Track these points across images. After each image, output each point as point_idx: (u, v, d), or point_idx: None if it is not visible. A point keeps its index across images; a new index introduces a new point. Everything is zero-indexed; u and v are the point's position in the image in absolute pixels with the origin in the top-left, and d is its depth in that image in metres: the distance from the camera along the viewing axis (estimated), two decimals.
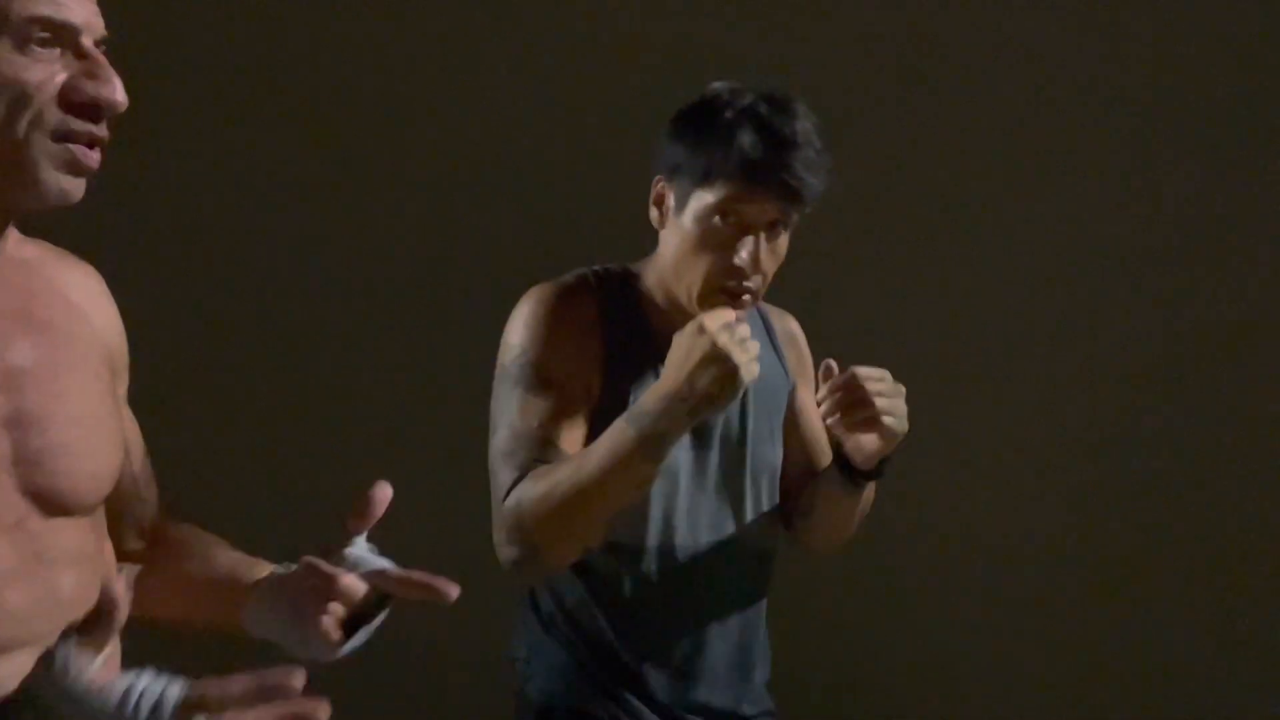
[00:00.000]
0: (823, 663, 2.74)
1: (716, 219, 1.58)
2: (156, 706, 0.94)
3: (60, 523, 1.13)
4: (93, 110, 1.06)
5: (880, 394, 1.58)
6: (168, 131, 2.73)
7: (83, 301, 1.21)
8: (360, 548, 1.17)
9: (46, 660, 0.96)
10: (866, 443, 1.63)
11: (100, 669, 0.97)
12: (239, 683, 0.96)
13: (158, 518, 1.36)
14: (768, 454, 1.77)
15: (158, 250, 2.69)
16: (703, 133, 1.58)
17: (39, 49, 1.04)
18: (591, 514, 1.52)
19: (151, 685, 0.95)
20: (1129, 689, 2.80)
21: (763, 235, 1.58)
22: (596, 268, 1.73)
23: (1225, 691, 2.79)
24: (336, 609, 1.09)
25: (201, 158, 2.75)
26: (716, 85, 1.63)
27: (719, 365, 1.42)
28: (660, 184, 1.66)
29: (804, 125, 1.57)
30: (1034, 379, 2.78)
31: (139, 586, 1.27)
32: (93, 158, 1.08)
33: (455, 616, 1.13)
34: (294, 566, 1.21)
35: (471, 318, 2.78)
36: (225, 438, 2.68)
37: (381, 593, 1.15)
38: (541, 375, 1.62)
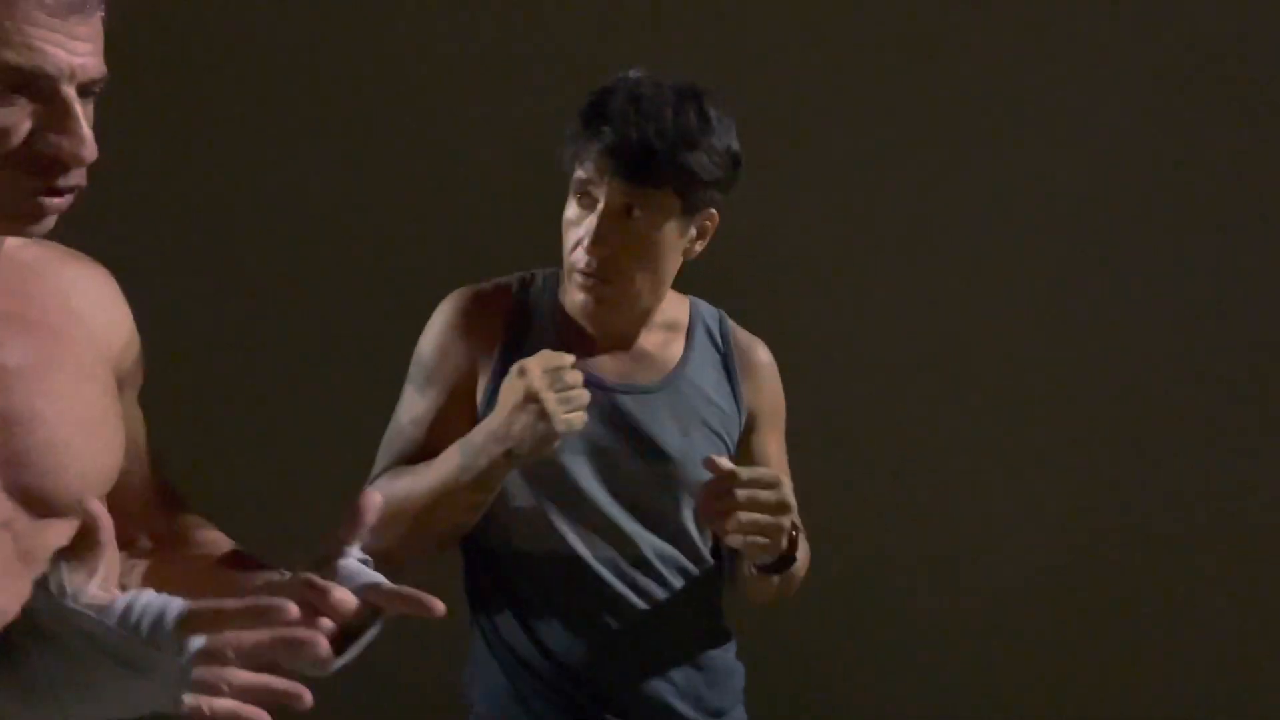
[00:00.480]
0: (822, 665, 2.73)
1: (575, 201, 1.58)
2: (157, 622, 0.93)
3: (49, 524, 1.13)
4: (58, 165, 1.01)
5: (752, 503, 1.50)
6: (171, 131, 2.73)
7: (84, 303, 1.20)
8: (353, 559, 1.14)
9: (42, 584, 0.95)
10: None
11: (98, 589, 0.96)
12: (237, 604, 0.96)
13: (173, 518, 1.35)
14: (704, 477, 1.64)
15: (164, 250, 2.70)
16: (576, 118, 1.59)
17: (11, 95, 0.97)
18: (423, 526, 1.56)
19: (152, 602, 0.95)
20: (1129, 690, 2.80)
21: (608, 217, 1.53)
22: (532, 272, 1.72)
23: (1226, 691, 2.79)
24: (327, 624, 1.06)
25: (204, 158, 2.75)
26: (620, 75, 1.62)
27: (532, 412, 1.45)
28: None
29: (663, 111, 1.52)
30: (1033, 381, 2.78)
31: (145, 583, 1.26)
32: (56, 205, 1.04)
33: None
34: (288, 574, 1.19)
35: None
36: (227, 437, 2.68)
37: (373, 607, 1.12)
38: (425, 374, 1.66)
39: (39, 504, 1.11)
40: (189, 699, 0.92)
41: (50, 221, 1.05)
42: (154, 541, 1.33)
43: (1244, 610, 2.79)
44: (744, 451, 1.72)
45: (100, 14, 1.02)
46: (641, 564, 1.65)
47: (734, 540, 1.52)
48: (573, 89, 2.56)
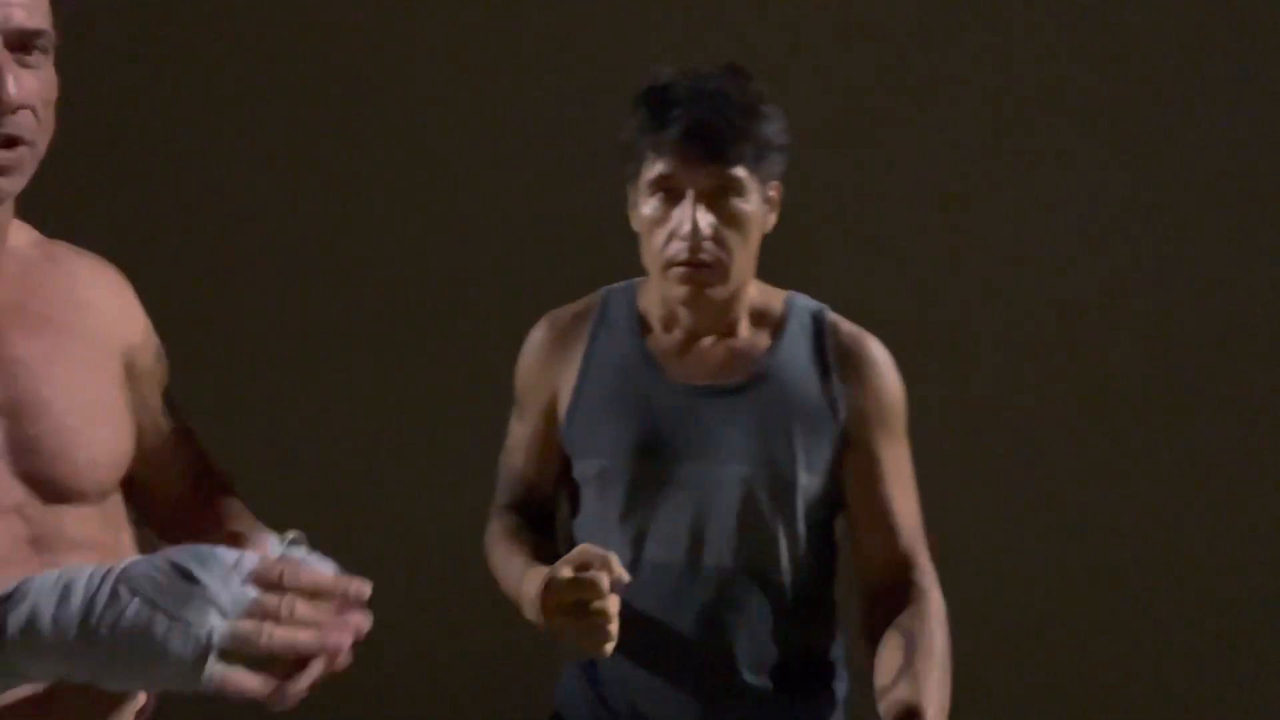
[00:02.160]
0: None
1: (655, 198, 1.54)
2: (236, 563, 0.97)
3: (61, 510, 1.15)
4: None
5: None
6: (177, 130, 2.72)
7: (92, 297, 1.23)
8: (300, 550, 1.14)
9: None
10: None
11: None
12: (311, 574, 0.99)
13: (208, 503, 1.37)
14: (800, 480, 1.59)
15: (167, 248, 2.69)
16: (633, 119, 1.56)
17: None
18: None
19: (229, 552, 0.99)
20: (1129, 691, 2.80)
21: (700, 202, 1.52)
22: (618, 285, 1.71)
23: (1227, 692, 2.79)
24: (358, 626, 1.04)
25: (209, 158, 2.74)
26: (657, 70, 1.61)
27: (563, 626, 1.41)
28: (628, 186, 1.62)
29: (725, 88, 1.53)
30: (1033, 382, 2.77)
31: None
32: (5, 157, 1.05)
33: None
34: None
35: (477, 319, 2.78)
36: (230, 436, 2.67)
37: None
38: (519, 400, 1.70)
39: (49, 489, 1.14)
40: (235, 626, 0.95)
41: (4, 183, 1.07)
42: (184, 529, 1.34)
43: (1244, 611, 2.78)
44: (851, 459, 1.60)
45: None
46: (718, 574, 1.57)
47: None
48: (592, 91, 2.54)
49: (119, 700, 1.11)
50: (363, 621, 1.01)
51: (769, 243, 1.64)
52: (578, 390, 1.63)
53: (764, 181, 1.55)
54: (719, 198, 1.52)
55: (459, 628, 2.82)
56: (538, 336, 1.69)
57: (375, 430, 2.75)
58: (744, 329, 1.62)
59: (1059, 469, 2.77)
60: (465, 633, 2.79)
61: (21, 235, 1.21)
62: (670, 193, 1.52)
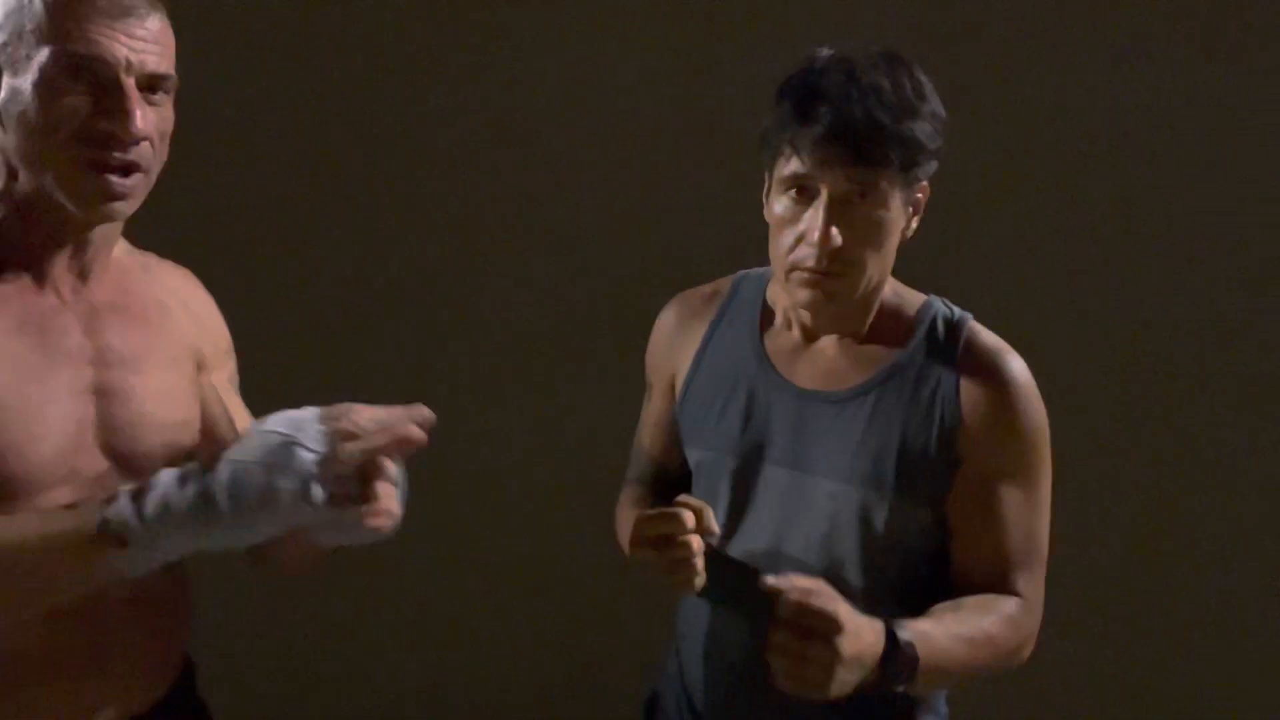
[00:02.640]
0: None
1: (788, 196, 1.43)
2: (310, 414, 1.17)
3: (131, 483, 1.26)
4: (113, 141, 1.21)
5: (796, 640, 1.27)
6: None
7: (173, 301, 1.42)
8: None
9: None
10: None
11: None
12: (368, 410, 1.18)
13: None
14: (891, 504, 1.46)
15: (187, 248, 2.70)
16: (777, 106, 1.44)
17: (73, 81, 1.20)
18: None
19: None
20: (1131, 693, 2.80)
21: (834, 207, 1.39)
22: (754, 270, 1.63)
23: (1229, 692, 2.79)
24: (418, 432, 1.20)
25: (226, 159, 2.75)
26: (815, 51, 1.47)
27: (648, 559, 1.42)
28: (766, 173, 1.50)
29: (880, 82, 1.38)
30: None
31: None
32: (123, 184, 1.23)
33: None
34: None
35: (478, 318, 2.79)
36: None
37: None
38: (649, 378, 1.71)
39: (127, 465, 1.30)
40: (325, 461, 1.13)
41: (121, 206, 1.25)
42: None
43: (1246, 612, 2.79)
44: (961, 491, 1.45)
45: (159, 20, 1.25)
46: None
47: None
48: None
49: None
50: (424, 416, 1.17)
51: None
52: (691, 375, 1.60)
53: (909, 185, 1.43)
54: (855, 204, 1.39)
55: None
56: (666, 316, 1.66)
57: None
58: (869, 334, 1.51)
59: (1059, 469, 2.78)
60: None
61: (119, 246, 1.38)
62: (803, 191, 1.41)
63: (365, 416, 1.15)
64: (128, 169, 1.23)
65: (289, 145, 2.73)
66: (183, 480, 1.15)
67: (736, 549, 1.53)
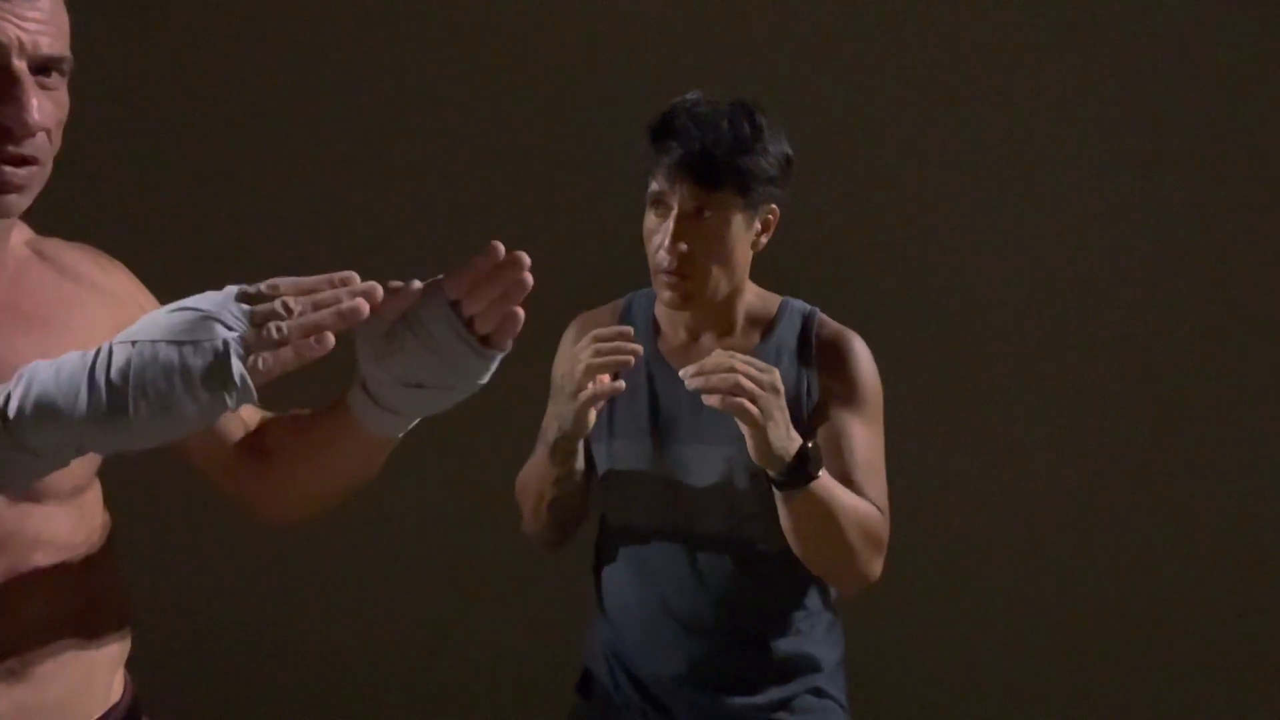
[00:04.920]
0: None
1: (652, 211, 1.79)
2: (224, 291, 1.04)
3: (28, 508, 1.18)
4: (5, 134, 1.10)
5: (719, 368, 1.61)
6: (181, 129, 2.74)
7: (79, 289, 1.28)
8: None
9: None
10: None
11: None
12: (288, 281, 1.07)
13: (259, 446, 1.39)
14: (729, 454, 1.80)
15: (170, 244, 2.70)
16: (644, 139, 1.79)
17: None
18: (537, 502, 1.85)
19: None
20: (1133, 693, 2.81)
21: (681, 221, 1.73)
22: (642, 290, 1.93)
23: (1230, 694, 2.79)
24: (365, 298, 1.10)
25: (207, 154, 2.75)
26: (682, 97, 1.81)
27: (567, 390, 1.70)
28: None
29: (720, 124, 1.73)
30: (1039, 381, 2.78)
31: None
32: (16, 174, 1.12)
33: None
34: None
35: None
36: None
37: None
38: (554, 388, 1.88)
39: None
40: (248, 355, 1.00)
41: (15, 199, 1.13)
42: (256, 457, 1.37)
43: (1249, 615, 2.79)
44: (819, 430, 1.80)
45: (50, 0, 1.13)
46: (697, 543, 1.82)
47: (711, 400, 1.60)
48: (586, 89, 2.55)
49: None
50: (369, 289, 1.07)
51: (777, 245, 1.83)
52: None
53: (751, 207, 1.78)
54: (700, 218, 1.75)
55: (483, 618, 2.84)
56: (572, 335, 1.97)
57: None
58: (739, 330, 1.86)
59: (1058, 470, 2.79)
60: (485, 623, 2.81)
61: (16, 234, 1.26)
62: (662, 207, 1.77)
63: (293, 290, 1.05)
64: (22, 162, 1.13)
65: (288, 144, 2.73)
66: (59, 369, 1.00)
67: (655, 519, 1.83)
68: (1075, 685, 2.82)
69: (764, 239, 1.84)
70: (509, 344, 1.17)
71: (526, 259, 1.13)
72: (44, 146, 1.14)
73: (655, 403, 1.85)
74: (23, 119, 1.10)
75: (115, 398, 0.98)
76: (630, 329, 1.69)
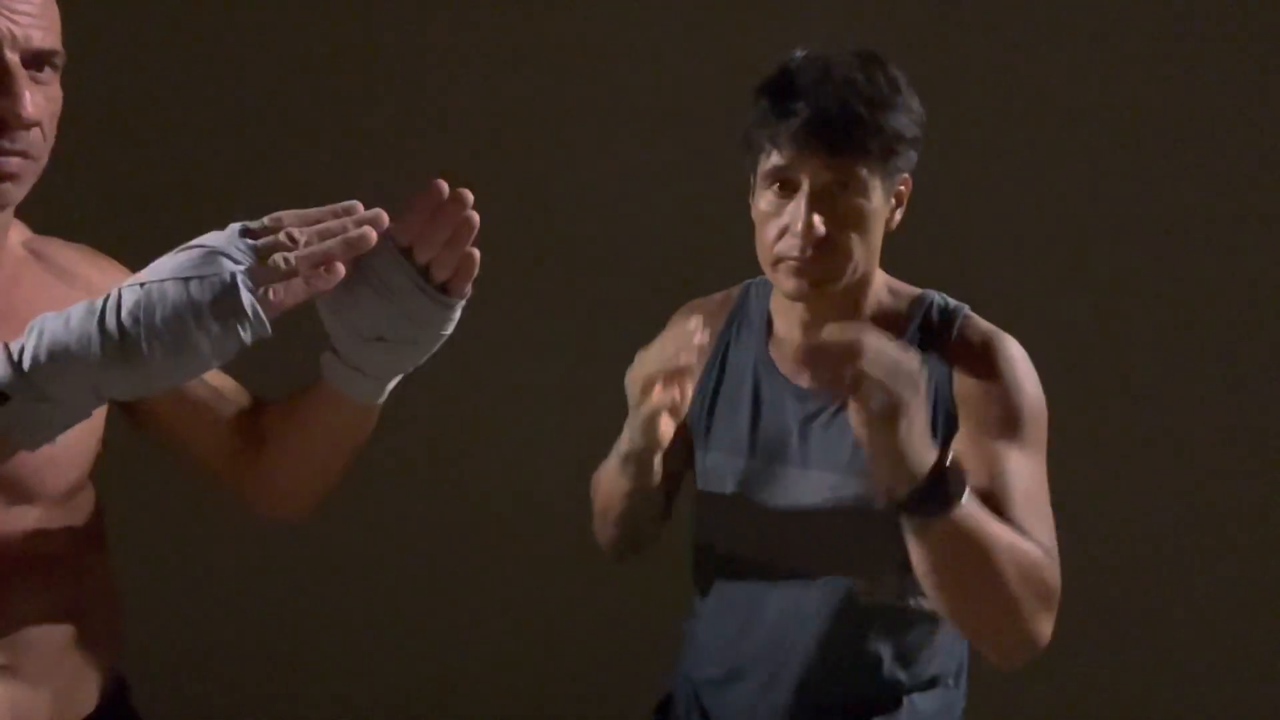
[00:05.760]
0: None
1: (771, 190, 1.47)
2: (228, 230, 1.03)
3: (23, 510, 1.17)
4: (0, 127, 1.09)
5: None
6: (175, 129, 2.74)
7: (73, 291, 1.26)
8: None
9: None
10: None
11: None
12: (290, 214, 1.05)
13: (249, 431, 1.37)
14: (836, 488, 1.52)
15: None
16: (755, 105, 1.49)
17: None
18: (610, 512, 1.62)
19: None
20: (1137, 693, 2.80)
21: (815, 198, 1.43)
22: (760, 279, 1.65)
23: (1232, 694, 2.79)
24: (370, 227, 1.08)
25: (203, 156, 2.75)
26: (791, 54, 1.51)
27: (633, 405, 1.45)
28: (749, 176, 1.54)
29: (854, 76, 1.42)
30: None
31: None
32: (7, 163, 1.11)
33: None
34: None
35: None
36: None
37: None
38: None
39: (10, 491, 1.16)
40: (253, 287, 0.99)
41: (9, 188, 1.12)
42: (249, 439, 1.35)
43: (1254, 618, 2.79)
44: (965, 455, 1.42)
45: None
46: (791, 584, 1.53)
47: (826, 379, 1.26)
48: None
49: None
50: (375, 215, 1.05)
51: None
52: (705, 381, 1.63)
53: (890, 176, 1.47)
54: (837, 194, 1.44)
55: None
56: (673, 322, 1.68)
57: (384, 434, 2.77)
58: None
59: (1060, 470, 2.78)
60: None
61: (14, 234, 1.25)
62: (785, 185, 1.46)
63: (297, 221, 1.04)
64: (15, 156, 1.12)
65: (287, 143, 2.73)
66: (68, 317, 0.99)
67: (744, 547, 1.56)
68: (1075, 685, 2.81)
69: (899, 215, 1.53)
70: (467, 289, 1.13)
71: (469, 195, 1.08)
72: (37, 141, 1.13)
73: (758, 413, 1.56)
74: (15, 111, 1.09)
75: (127, 338, 0.97)
76: (699, 325, 1.41)
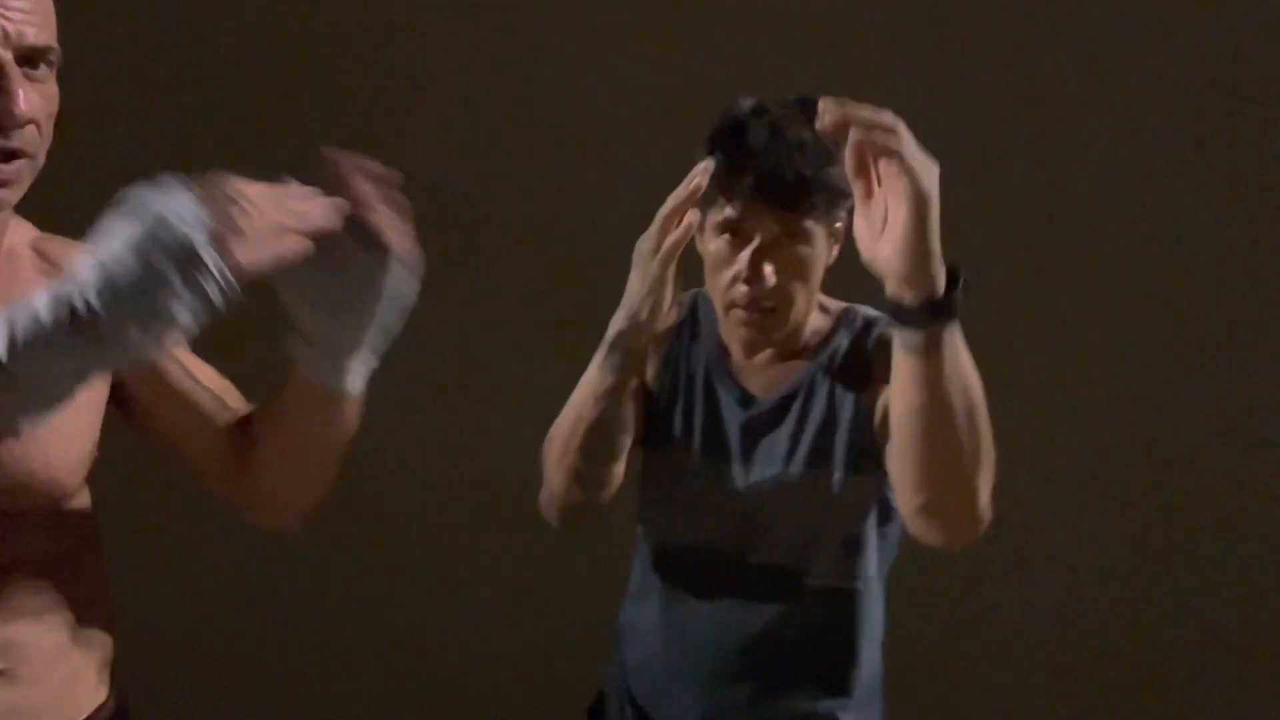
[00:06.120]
0: None
1: (723, 239, 1.56)
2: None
3: (16, 516, 1.16)
4: None
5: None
6: (170, 126, 2.74)
7: None
8: None
9: None
10: (891, 235, 1.26)
11: None
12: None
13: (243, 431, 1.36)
14: (836, 479, 1.62)
15: None
16: (708, 157, 1.54)
17: None
18: (572, 440, 1.62)
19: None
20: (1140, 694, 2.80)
21: (764, 249, 1.53)
22: (700, 290, 1.73)
23: (1235, 695, 2.79)
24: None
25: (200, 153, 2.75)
26: (738, 102, 1.59)
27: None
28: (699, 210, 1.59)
29: (802, 135, 1.49)
30: (1042, 381, 2.77)
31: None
32: (5, 170, 1.10)
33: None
34: None
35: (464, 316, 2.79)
36: None
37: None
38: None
39: (3, 494, 1.15)
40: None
41: (4, 193, 1.11)
42: (244, 438, 1.34)
43: (1256, 619, 2.79)
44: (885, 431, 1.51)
45: None
46: (731, 574, 1.64)
47: (859, 135, 1.26)
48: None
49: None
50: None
51: None
52: (661, 376, 1.70)
53: (831, 224, 1.57)
54: (784, 244, 1.54)
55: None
56: None
57: (381, 427, 2.77)
58: (799, 347, 1.64)
59: (1059, 470, 2.78)
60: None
61: (19, 234, 1.23)
62: (737, 234, 1.54)
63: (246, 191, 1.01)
64: (9, 156, 1.10)
65: (286, 141, 2.72)
66: (35, 308, 0.97)
67: (694, 542, 1.66)
68: (1075, 685, 2.81)
69: (835, 251, 1.60)
70: (410, 250, 1.13)
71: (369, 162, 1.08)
72: (33, 139, 1.12)
73: (706, 414, 1.66)
74: (10, 110, 1.07)
75: (99, 322, 0.96)
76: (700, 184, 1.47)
